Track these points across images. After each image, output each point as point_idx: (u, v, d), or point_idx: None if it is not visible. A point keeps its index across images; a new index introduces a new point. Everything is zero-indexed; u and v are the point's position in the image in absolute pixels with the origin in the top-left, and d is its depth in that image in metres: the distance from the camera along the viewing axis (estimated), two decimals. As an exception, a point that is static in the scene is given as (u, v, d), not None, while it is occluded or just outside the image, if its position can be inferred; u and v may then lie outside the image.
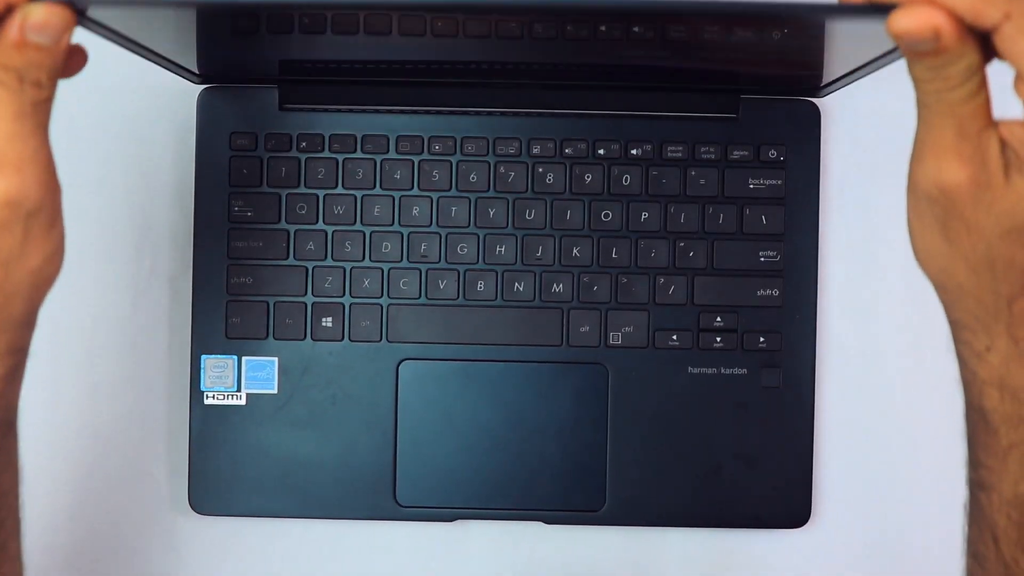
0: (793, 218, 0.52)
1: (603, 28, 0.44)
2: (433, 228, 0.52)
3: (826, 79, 0.48)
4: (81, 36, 0.53)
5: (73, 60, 0.36)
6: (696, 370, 0.52)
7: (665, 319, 0.52)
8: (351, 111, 0.52)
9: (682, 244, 0.52)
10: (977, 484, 0.37)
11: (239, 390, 0.51)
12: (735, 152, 0.52)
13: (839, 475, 0.53)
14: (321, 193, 0.52)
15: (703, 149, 0.52)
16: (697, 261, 0.52)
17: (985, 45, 0.31)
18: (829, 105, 0.53)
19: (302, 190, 0.52)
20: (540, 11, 0.39)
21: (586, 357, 0.52)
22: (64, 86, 0.55)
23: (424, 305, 0.52)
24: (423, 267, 0.52)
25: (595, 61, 0.47)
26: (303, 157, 0.52)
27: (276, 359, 0.52)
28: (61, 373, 0.53)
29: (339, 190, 0.52)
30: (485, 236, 0.52)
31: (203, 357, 0.51)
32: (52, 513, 0.54)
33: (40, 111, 0.34)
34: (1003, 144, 0.32)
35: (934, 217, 0.34)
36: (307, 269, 0.51)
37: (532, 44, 0.45)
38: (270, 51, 0.48)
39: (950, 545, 0.54)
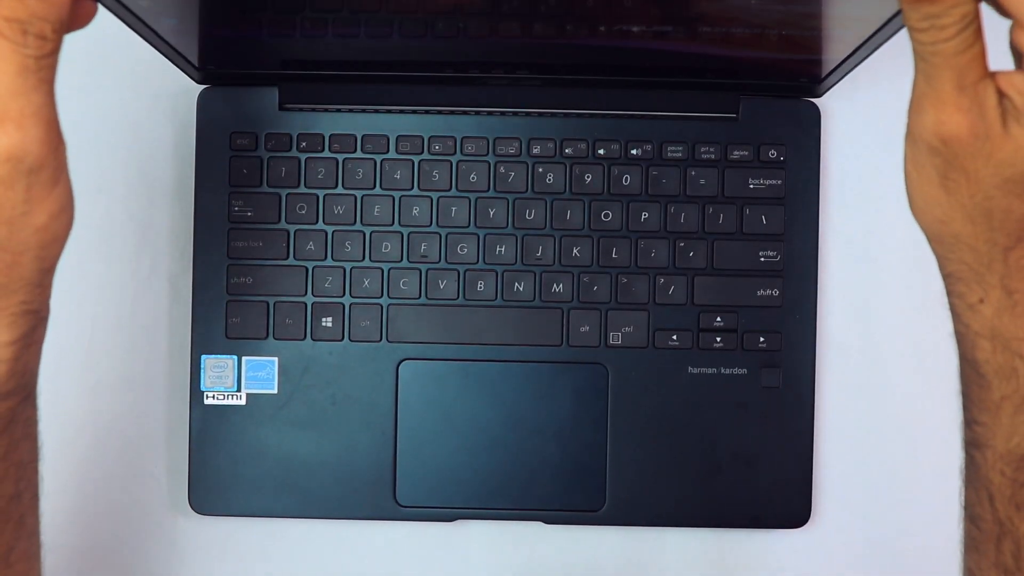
0: (793, 218, 0.52)
1: (602, 27, 0.44)
2: (433, 228, 0.52)
3: (827, 66, 0.48)
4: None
5: (81, 11, 0.35)
6: (696, 370, 0.52)
7: (665, 319, 0.52)
8: (351, 111, 0.52)
9: (682, 244, 0.52)
10: (972, 443, 0.38)
11: (239, 390, 0.51)
12: (735, 152, 0.52)
13: (839, 475, 0.53)
14: (321, 193, 0.52)
15: (703, 149, 0.52)
16: (697, 261, 0.52)
17: None
18: (829, 105, 0.53)
19: (302, 190, 0.52)
20: None
21: (586, 357, 0.52)
22: (64, 87, 0.55)
23: (424, 305, 0.52)
24: (423, 267, 0.52)
25: (594, 47, 0.47)
26: (303, 157, 0.52)
27: (276, 359, 0.52)
28: (61, 373, 0.53)
29: (339, 190, 0.52)
30: (485, 236, 0.52)
31: (203, 357, 0.51)
32: (52, 513, 0.53)
33: (44, 66, 0.33)
34: (1000, 95, 0.32)
35: (933, 168, 0.34)
36: (307, 269, 0.51)
37: (532, 40, 0.45)
38: (270, 51, 0.48)
39: (950, 545, 0.54)
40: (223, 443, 0.51)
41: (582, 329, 0.52)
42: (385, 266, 0.52)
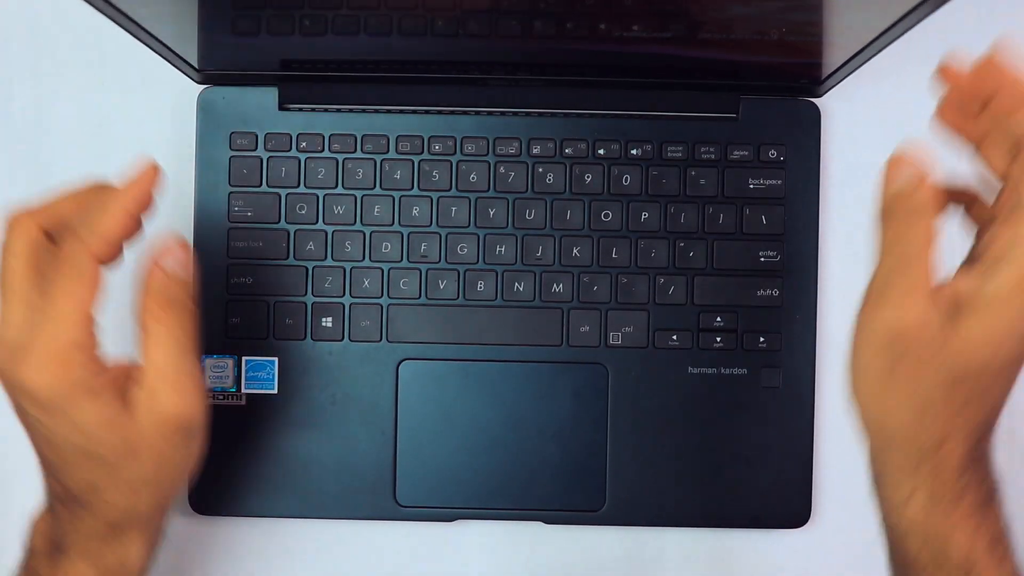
0: (793, 218, 0.52)
1: (603, 26, 0.44)
2: (433, 228, 0.52)
3: (826, 69, 0.48)
4: (82, 14, 0.53)
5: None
6: (696, 370, 0.52)
7: (665, 319, 0.52)
8: (351, 111, 0.52)
9: (682, 244, 0.52)
10: None
11: (239, 390, 0.51)
12: (735, 152, 0.52)
13: (839, 475, 0.53)
14: (321, 193, 0.52)
15: (703, 149, 0.52)
16: (697, 261, 0.52)
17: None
18: (829, 105, 0.53)
19: (302, 190, 0.52)
20: None
21: (586, 357, 0.52)
22: (64, 87, 0.56)
23: (424, 305, 0.52)
24: (423, 267, 0.52)
25: (594, 47, 0.47)
26: (303, 157, 0.52)
27: (276, 359, 0.52)
28: (61, 373, 0.53)
29: (339, 190, 0.52)
30: (485, 236, 0.52)
31: (203, 357, 0.51)
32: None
33: (193, 337, 0.40)
34: (951, 293, 0.34)
35: (883, 361, 0.35)
36: (307, 269, 0.51)
37: (532, 41, 0.46)
38: (270, 51, 0.48)
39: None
40: (223, 443, 0.51)
41: (582, 329, 0.52)
42: (385, 266, 0.52)
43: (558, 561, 0.53)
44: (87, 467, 0.39)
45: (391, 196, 0.52)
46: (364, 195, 0.52)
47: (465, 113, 0.52)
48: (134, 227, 0.40)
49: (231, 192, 0.52)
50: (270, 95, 0.52)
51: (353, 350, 0.52)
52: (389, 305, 0.52)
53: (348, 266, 0.52)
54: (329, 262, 0.52)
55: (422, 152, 0.52)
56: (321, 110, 0.52)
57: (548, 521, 0.52)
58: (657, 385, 0.52)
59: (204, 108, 0.52)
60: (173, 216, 0.53)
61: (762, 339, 0.52)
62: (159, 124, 0.54)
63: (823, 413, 0.53)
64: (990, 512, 0.36)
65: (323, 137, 0.52)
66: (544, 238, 0.52)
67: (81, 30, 0.54)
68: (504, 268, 0.52)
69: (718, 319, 0.52)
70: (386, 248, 0.52)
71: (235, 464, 0.51)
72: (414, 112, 0.52)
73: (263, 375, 0.51)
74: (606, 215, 0.52)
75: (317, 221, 0.52)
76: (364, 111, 0.52)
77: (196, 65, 0.49)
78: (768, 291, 0.52)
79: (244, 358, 0.51)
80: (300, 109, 0.52)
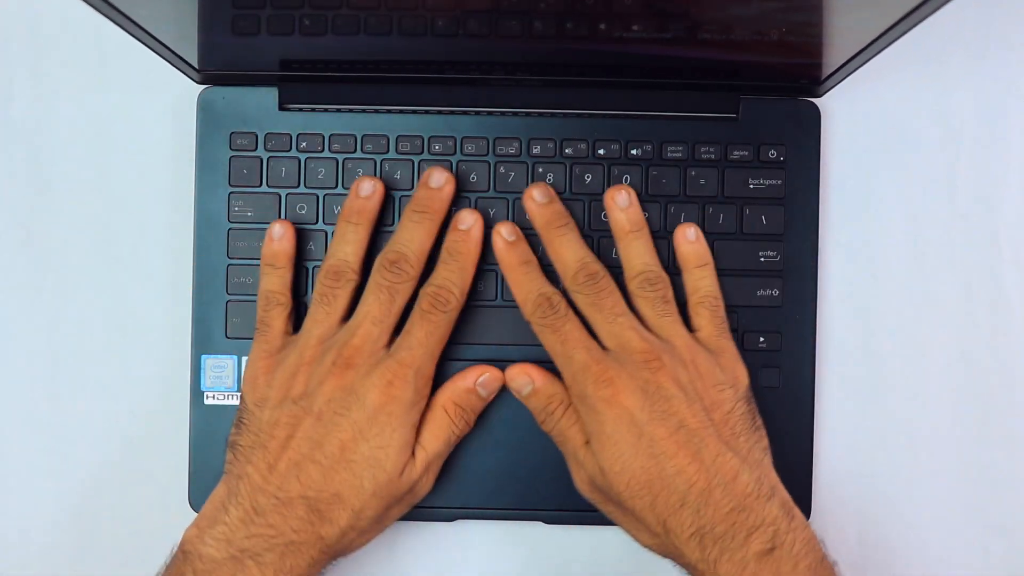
0: (793, 218, 0.52)
1: (603, 26, 0.44)
2: (433, 228, 0.52)
3: (826, 70, 0.48)
4: (82, 14, 0.53)
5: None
6: (696, 370, 0.52)
7: (665, 319, 0.52)
8: (351, 111, 0.52)
9: (682, 244, 0.52)
10: None
11: (239, 390, 0.51)
12: (735, 152, 0.52)
13: (838, 474, 0.53)
14: (321, 193, 0.52)
15: (703, 149, 0.52)
16: (697, 261, 0.52)
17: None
18: (829, 105, 0.53)
19: (302, 190, 0.52)
20: None
21: (586, 357, 0.52)
22: (65, 87, 0.55)
23: (424, 305, 0.52)
24: (423, 267, 0.52)
25: (594, 47, 0.47)
26: (303, 157, 0.52)
27: (276, 359, 0.51)
28: (61, 373, 0.53)
29: (339, 190, 0.52)
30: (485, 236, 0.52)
31: (203, 357, 0.51)
32: (53, 513, 0.54)
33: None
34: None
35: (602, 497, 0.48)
36: (307, 269, 0.51)
37: (532, 41, 0.45)
38: (270, 51, 0.48)
39: (949, 544, 0.54)
40: (223, 443, 0.51)
41: (582, 329, 0.51)
42: (385, 266, 0.51)
43: (558, 561, 0.53)
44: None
45: (391, 196, 0.52)
46: (364, 195, 0.52)
47: (465, 113, 0.52)
48: None
49: (231, 192, 0.52)
50: (270, 95, 0.52)
51: (353, 350, 0.51)
52: (389, 305, 0.51)
53: (348, 266, 0.51)
54: (329, 262, 0.51)
55: (422, 152, 0.52)
56: (321, 110, 0.52)
57: (548, 521, 0.52)
58: (657, 385, 0.51)
59: (204, 108, 0.52)
60: (173, 216, 0.53)
61: (762, 339, 0.52)
62: (159, 124, 0.54)
63: (822, 413, 0.53)
64: None
65: (323, 137, 0.52)
66: (544, 238, 0.52)
67: (81, 30, 0.54)
68: (504, 268, 0.51)
69: (718, 319, 0.52)
70: (386, 248, 0.52)
71: (235, 464, 0.51)
72: (414, 112, 0.52)
73: (263, 375, 0.51)
74: (606, 215, 0.52)
75: (317, 221, 0.52)
76: (364, 111, 0.52)
77: (196, 65, 0.49)
78: (768, 291, 0.52)
79: (244, 358, 0.51)
80: (300, 109, 0.52)
